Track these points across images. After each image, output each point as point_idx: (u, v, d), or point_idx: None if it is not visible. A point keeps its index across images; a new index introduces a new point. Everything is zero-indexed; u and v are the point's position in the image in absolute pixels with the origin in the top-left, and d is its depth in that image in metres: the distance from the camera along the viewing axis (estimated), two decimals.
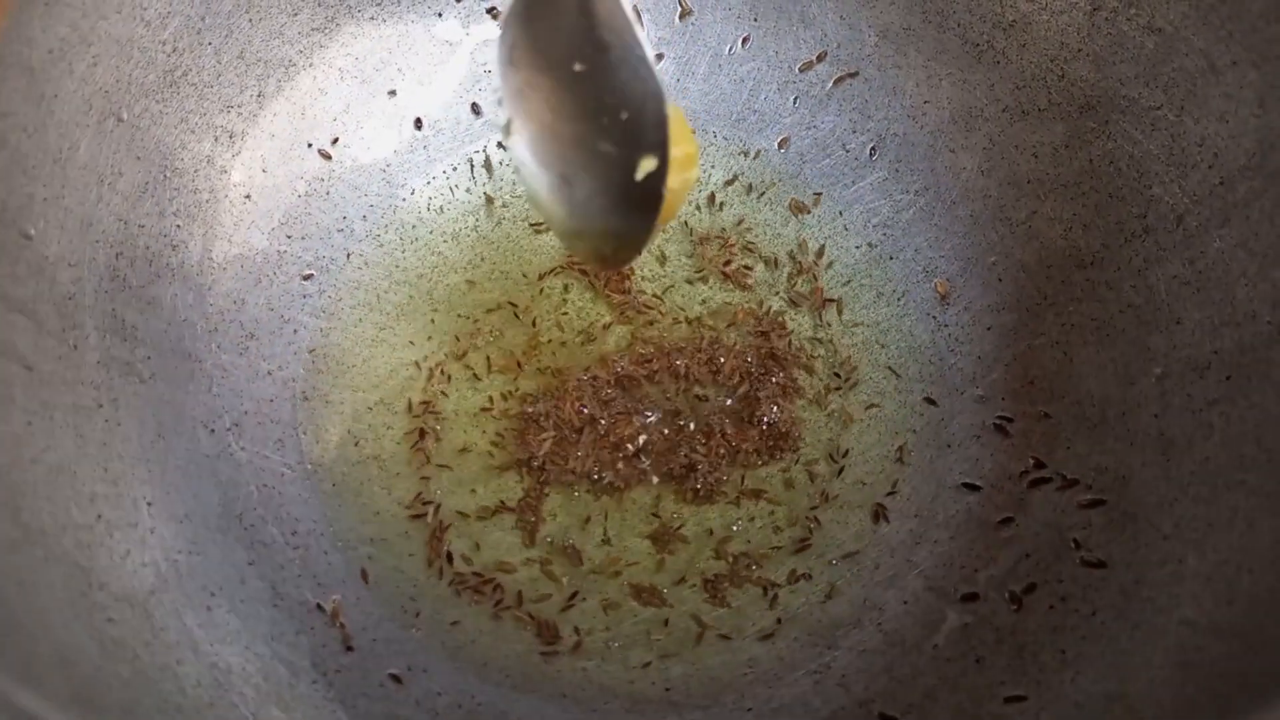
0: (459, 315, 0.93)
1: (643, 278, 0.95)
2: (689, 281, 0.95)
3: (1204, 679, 0.62)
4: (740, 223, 0.97)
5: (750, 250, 0.96)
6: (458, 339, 0.92)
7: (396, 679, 0.76)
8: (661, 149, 0.66)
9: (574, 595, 0.81)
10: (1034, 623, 0.73)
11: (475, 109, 1.00)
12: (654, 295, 0.94)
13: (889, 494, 0.85)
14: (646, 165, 0.67)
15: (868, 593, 0.80)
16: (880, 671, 0.76)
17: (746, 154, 1.00)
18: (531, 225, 0.97)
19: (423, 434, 0.87)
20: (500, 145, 0.99)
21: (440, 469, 0.86)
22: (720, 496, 0.85)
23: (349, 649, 0.76)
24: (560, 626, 0.80)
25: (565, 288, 0.94)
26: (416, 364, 0.90)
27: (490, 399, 0.89)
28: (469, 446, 0.87)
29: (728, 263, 0.95)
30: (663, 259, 0.96)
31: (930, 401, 0.88)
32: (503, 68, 0.72)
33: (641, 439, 0.86)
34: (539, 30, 0.70)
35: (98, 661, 0.61)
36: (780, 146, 0.99)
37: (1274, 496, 0.65)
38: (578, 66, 0.69)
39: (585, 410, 0.86)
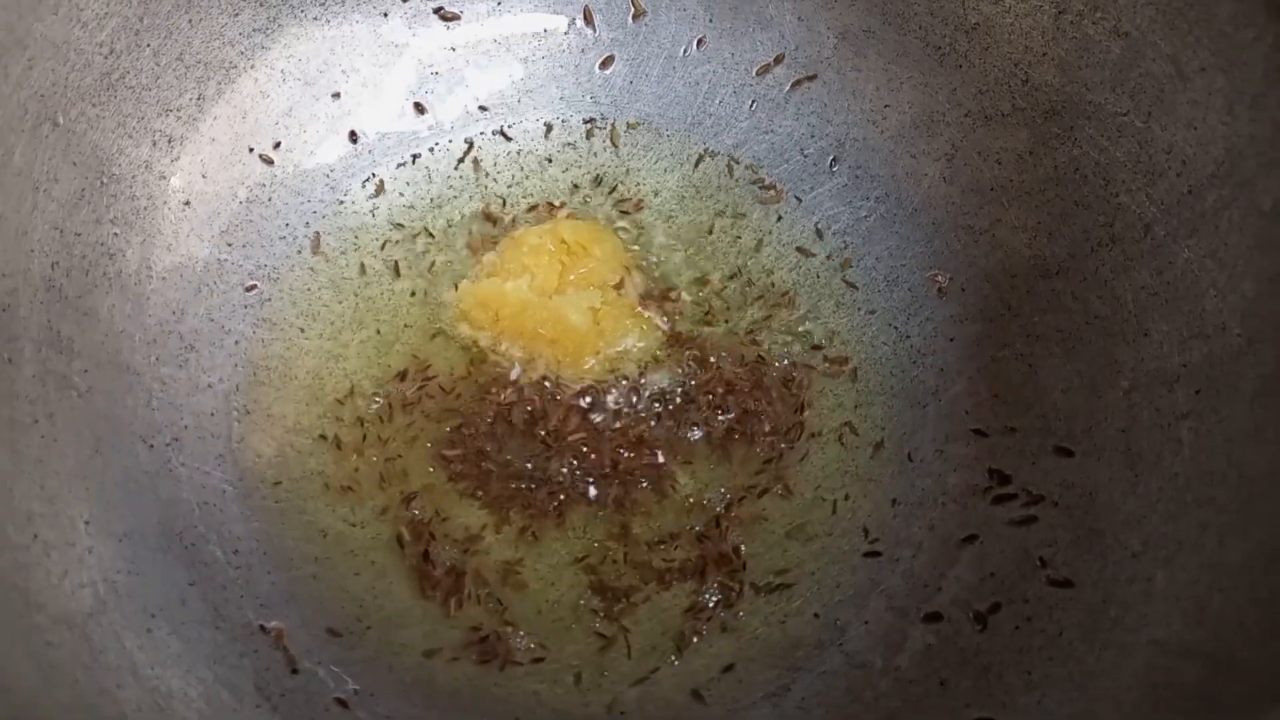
0: (405, 325, 0.91)
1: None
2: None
3: (1173, 700, 0.61)
4: (692, 224, 0.96)
5: (708, 255, 0.95)
6: (404, 349, 0.90)
7: (343, 703, 0.74)
8: None
9: (523, 616, 0.80)
10: (999, 643, 0.72)
11: (419, 108, 0.99)
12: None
13: (848, 510, 0.84)
14: None
15: (828, 613, 0.79)
16: (841, 694, 0.75)
17: (702, 158, 0.99)
18: (480, 230, 0.96)
19: (368, 449, 0.85)
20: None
21: (388, 487, 0.84)
22: (679, 513, 0.84)
23: (294, 672, 0.75)
24: (512, 647, 0.79)
25: None
26: (362, 376, 0.88)
27: (439, 411, 0.87)
28: (418, 461, 0.85)
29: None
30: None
31: (891, 436, 0.87)
32: None
33: (593, 456, 0.85)
34: None
35: (36, 686, 0.60)
36: (737, 151, 0.99)
37: (1245, 514, 0.65)
38: None
39: (543, 430, 0.85)
